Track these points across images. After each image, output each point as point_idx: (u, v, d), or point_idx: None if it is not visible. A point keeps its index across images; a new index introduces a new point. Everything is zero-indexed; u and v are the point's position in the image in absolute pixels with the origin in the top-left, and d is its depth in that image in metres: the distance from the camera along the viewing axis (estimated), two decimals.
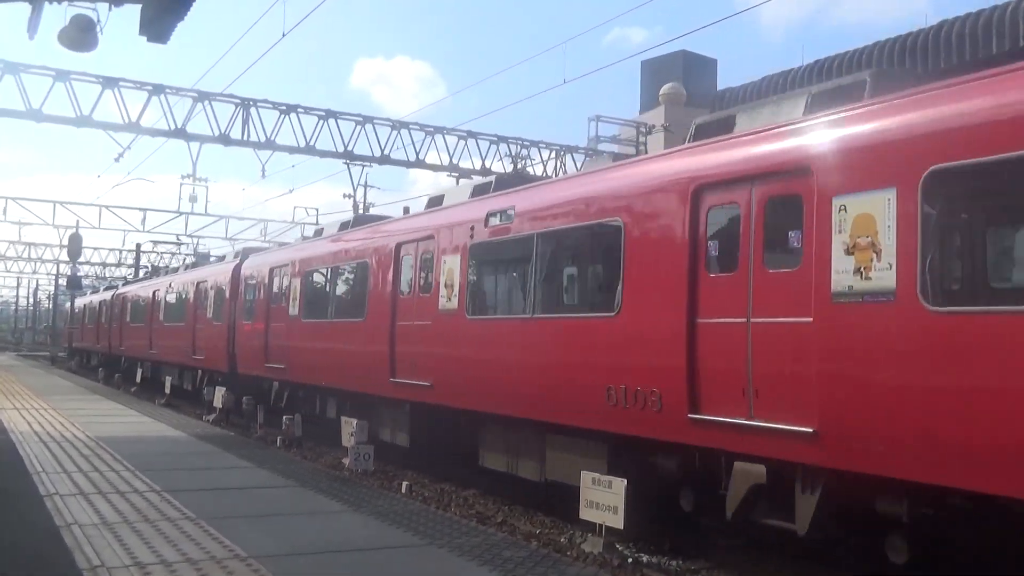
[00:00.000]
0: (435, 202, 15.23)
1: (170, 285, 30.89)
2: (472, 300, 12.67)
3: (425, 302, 13.61)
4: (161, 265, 53.71)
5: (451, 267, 12.97)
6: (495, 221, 12.23)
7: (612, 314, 9.83)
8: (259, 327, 20.90)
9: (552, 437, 11.05)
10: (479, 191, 13.79)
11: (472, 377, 12.27)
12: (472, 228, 12.63)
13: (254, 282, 21.95)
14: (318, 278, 18.68)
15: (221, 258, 30.16)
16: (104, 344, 42.34)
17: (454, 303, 12.78)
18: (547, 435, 11.12)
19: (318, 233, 20.71)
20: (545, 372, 10.82)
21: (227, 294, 23.76)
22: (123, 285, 44.31)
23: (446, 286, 12.99)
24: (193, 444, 14.98)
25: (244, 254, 24.92)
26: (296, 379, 18.99)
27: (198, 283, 26.82)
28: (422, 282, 13.95)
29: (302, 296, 18.86)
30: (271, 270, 20.84)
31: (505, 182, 13.57)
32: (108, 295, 43.32)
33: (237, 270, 23.53)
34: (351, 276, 17.22)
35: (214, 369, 24.51)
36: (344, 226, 18.80)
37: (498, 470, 12.46)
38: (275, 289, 20.42)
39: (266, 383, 20.96)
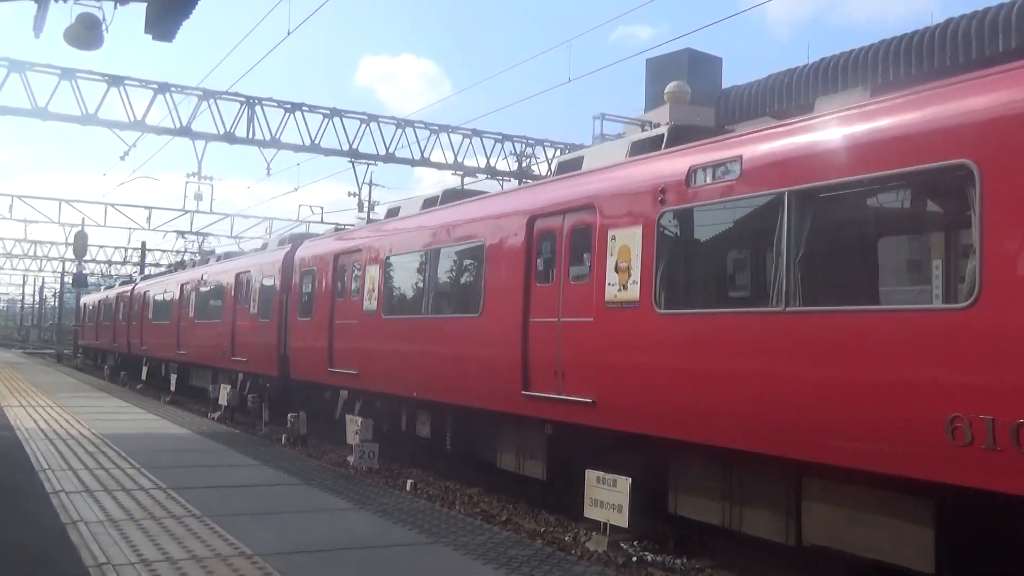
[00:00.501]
0: (569, 166, 12.32)
1: (202, 277, 27.46)
2: (666, 289, 9.44)
3: (580, 293, 10.55)
4: (167, 260, 53.81)
5: (625, 245, 9.86)
6: (705, 179, 9.05)
7: (961, 306, 6.78)
8: (320, 325, 17.84)
9: (815, 483, 7.95)
10: (643, 147, 10.86)
11: (668, 394, 9.15)
12: (662, 191, 9.44)
13: (313, 272, 18.83)
14: (407, 265, 15.29)
15: (263, 247, 26.35)
16: (121, 343, 38.90)
17: (632, 293, 9.66)
18: (805, 479, 8.05)
19: (392, 213, 17.43)
20: (813, 391, 7.63)
21: (277, 286, 20.63)
22: (143, 279, 41.91)
23: (618, 270, 9.89)
24: (198, 441, 15.00)
25: (295, 239, 22.02)
26: (373, 388, 15.83)
27: (238, 274, 23.64)
28: (573, 266, 10.90)
29: (382, 288, 15.64)
30: (337, 257, 17.72)
31: (689, 133, 10.53)
32: (126, 289, 40.10)
33: (289, 258, 20.37)
34: (458, 261, 14.09)
35: (259, 373, 21.51)
36: (430, 203, 15.71)
37: (705, 521, 9.27)
38: (343, 280, 17.30)
39: (329, 392, 17.93)
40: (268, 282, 21.38)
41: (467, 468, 14.09)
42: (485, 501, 12.85)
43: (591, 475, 9.80)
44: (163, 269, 47.84)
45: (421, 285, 14.69)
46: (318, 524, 8.61)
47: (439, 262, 14.30)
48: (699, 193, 9.14)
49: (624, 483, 9.35)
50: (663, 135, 10.73)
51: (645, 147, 10.82)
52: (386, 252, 15.77)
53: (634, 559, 9.48)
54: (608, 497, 9.48)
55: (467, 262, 13.65)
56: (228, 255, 30.32)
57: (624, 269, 9.85)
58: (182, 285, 29.46)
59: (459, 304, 13.79)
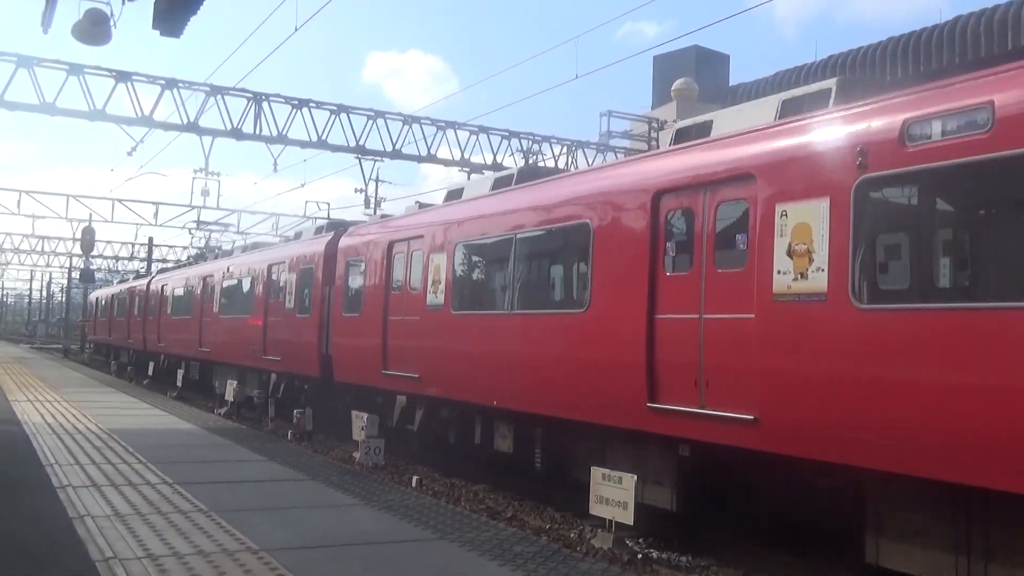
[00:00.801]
0: (692, 133, 10.33)
1: (228, 269, 25.68)
2: (870, 277, 7.62)
3: (732, 283, 8.65)
4: (174, 256, 53.92)
5: (803, 222, 7.94)
6: (931, 135, 7.10)
7: None
8: (371, 322, 16.05)
9: None
10: (800, 106, 9.01)
11: (874, 412, 7.18)
12: (861, 153, 7.50)
13: (361, 262, 17.04)
14: (484, 253, 13.55)
15: (296, 235, 24.40)
16: (137, 339, 37.23)
17: (816, 283, 7.72)
18: None
19: (453, 195, 15.51)
20: None
21: (318, 279, 18.98)
22: (160, 271, 40.61)
23: (793, 255, 7.97)
24: (205, 437, 15.04)
25: (334, 227, 20.43)
26: (439, 394, 13.95)
27: (270, 266, 21.96)
28: (721, 251, 8.95)
29: (451, 279, 13.68)
30: (391, 245, 15.85)
31: (864, 84, 8.84)
32: (142, 283, 38.76)
33: (332, 247, 18.64)
34: (554, 248, 12.26)
35: (297, 374, 19.98)
36: (502, 182, 13.94)
37: None
38: (399, 271, 15.48)
39: (382, 397, 16.07)
40: (307, 274, 19.73)
41: (552, 483, 12.32)
42: (490, 498, 12.86)
43: (596, 472, 9.78)
44: (171, 264, 47.81)
45: (503, 276, 12.67)
46: (324, 520, 8.63)
47: (528, 249, 12.28)
48: (923, 153, 7.14)
49: (629, 480, 9.34)
50: (831, 88, 8.92)
51: (803, 105, 8.99)
52: (456, 238, 13.73)
53: (639, 556, 9.47)
54: (613, 494, 9.47)
55: (567, 248, 11.79)
56: (256, 245, 28.68)
57: (803, 253, 7.93)
58: (205, 278, 27.86)
59: (556, 298, 12.12)
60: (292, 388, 20.48)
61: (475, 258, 13.77)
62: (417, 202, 19.05)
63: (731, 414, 8.45)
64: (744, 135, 9.09)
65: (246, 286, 23.96)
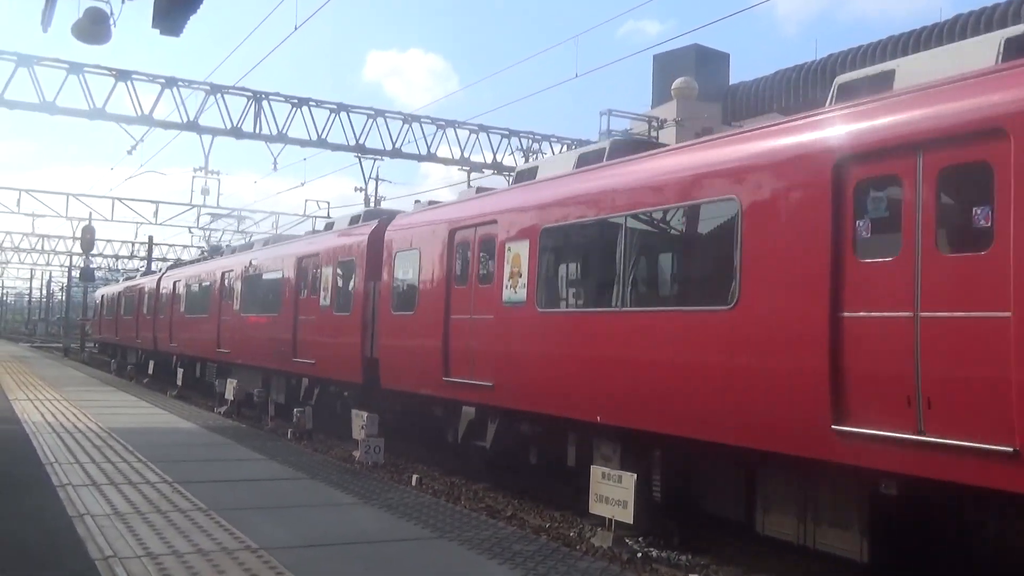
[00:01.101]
0: (859, 88, 8.43)
1: (250, 264, 23.60)
2: None
3: (966, 271, 6.78)
4: (174, 255, 53.95)
5: None
6: None
7: None
8: (428, 321, 14.16)
9: None
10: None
11: None
12: None
13: (415, 254, 15.03)
14: (581, 238, 11.62)
15: (327, 225, 22.54)
16: (146, 339, 35.55)
17: None
18: None
19: (525, 176, 13.62)
20: None
21: (361, 272, 17.15)
22: (171, 266, 39.10)
23: None
24: (205, 436, 15.04)
25: (372, 216, 18.68)
26: (520, 406, 11.94)
27: (300, 259, 20.12)
28: (945, 230, 7.15)
29: (536, 271, 11.74)
30: (453, 233, 13.92)
31: None
32: (151, 279, 37.10)
33: (377, 237, 16.81)
34: (683, 231, 10.34)
35: (334, 379, 18.17)
36: (589, 158, 12.21)
37: None
38: (465, 261, 13.66)
39: (442, 407, 14.24)
40: (346, 267, 17.95)
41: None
42: (490, 496, 12.87)
43: (596, 471, 9.79)
44: (171, 262, 47.79)
45: (610, 266, 10.60)
46: (324, 519, 8.63)
47: (645, 232, 10.38)
48: None
49: (629, 479, 9.35)
50: None
51: None
52: (541, 223, 11.76)
53: (639, 555, 9.48)
54: (613, 493, 9.48)
55: (703, 230, 9.99)
56: (280, 238, 27.09)
57: None
58: (223, 273, 25.90)
59: (687, 291, 10.28)
60: (328, 394, 18.62)
61: (569, 246, 11.87)
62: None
63: (974, 444, 6.46)
64: (978, 80, 6.97)
65: (273, 282, 21.88)
